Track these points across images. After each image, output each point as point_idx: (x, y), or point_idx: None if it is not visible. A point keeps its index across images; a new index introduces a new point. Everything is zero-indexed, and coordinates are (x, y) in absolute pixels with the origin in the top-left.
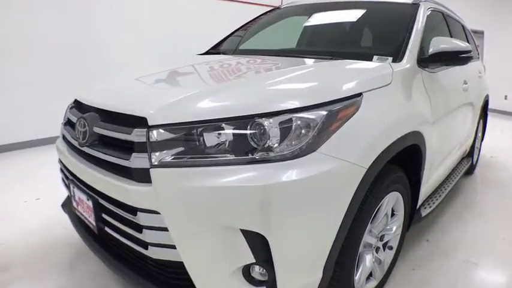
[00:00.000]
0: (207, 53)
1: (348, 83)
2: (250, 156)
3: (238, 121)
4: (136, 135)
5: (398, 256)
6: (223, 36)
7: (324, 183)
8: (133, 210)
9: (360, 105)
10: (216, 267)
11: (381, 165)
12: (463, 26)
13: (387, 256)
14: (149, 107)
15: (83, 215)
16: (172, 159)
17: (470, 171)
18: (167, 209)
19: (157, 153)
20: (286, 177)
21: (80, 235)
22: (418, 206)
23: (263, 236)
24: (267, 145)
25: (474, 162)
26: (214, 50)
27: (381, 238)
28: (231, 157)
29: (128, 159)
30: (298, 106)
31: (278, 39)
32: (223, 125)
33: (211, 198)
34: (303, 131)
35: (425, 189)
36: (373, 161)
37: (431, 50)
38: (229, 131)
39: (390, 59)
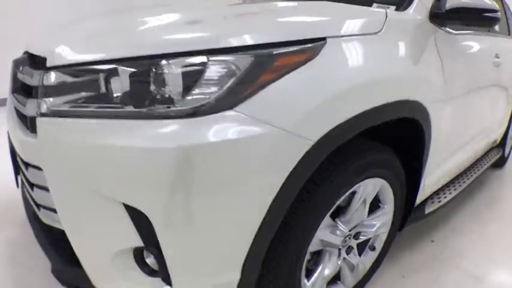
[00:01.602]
0: None
1: (307, 22)
2: (146, 109)
3: (137, 62)
4: (36, 78)
5: (383, 259)
6: None
7: (238, 155)
8: (26, 165)
9: (319, 53)
10: (99, 244)
11: (343, 140)
12: None
13: (366, 259)
14: (53, 44)
15: None
16: (68, 107)
17: (500, 163)
18: (47, 165)
19: (49, 99)
20: (176, 140)
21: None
22: (419, 201)
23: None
24: (167, 95)
25: (506, 154)
26: None
27: (356, 236)
28: (127, 109)
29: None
30: (220, 46)
31: None
32: (120, 67)
33: (91, 159)
34: (216, 80)
35: (430, 181)
36: (329, 132)
37: (448, 5)
38: (125, 75)
39: (393, 8)
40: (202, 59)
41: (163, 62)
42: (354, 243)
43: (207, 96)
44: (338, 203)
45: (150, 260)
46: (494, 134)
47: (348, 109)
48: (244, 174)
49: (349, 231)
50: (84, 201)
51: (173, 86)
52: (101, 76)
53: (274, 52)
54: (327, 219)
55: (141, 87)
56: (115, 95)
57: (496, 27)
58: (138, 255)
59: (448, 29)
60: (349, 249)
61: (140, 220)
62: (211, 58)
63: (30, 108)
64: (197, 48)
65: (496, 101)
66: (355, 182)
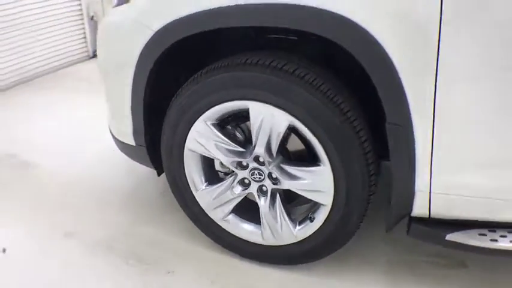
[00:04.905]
0: None
1: None
2: None
3: None
4: None
5: (334, 247)
6: None
7: (111, 35)
8: None
9: None
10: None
11: (188, 30)
12: None
13: (303, 229)
14: None
15: None
16: None
17: None
18: None
19: None
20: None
21: None
22: (421, 202)
23: None
24: None
25: None
26: None
27: (273, 178)
28: None
29: None
30: None
31: None
32: None
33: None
34: None
35: (441, 156)
36: (169, 24)
37: None
38: None
39: None
40: None
41: None
42: (268, 184)
43: None
44: (215, 111)
45: None
46: None
47: (191, 3)
48: (113, 50)
49: (255, 160)
50: None
51: None
52: None
53: None
54: (201, 124)
55: None
56: None
57: None
58: None
59: None
60: (262, 190)
61: None
62: None
63: None
64: None
65: None
66: (225, 94)
